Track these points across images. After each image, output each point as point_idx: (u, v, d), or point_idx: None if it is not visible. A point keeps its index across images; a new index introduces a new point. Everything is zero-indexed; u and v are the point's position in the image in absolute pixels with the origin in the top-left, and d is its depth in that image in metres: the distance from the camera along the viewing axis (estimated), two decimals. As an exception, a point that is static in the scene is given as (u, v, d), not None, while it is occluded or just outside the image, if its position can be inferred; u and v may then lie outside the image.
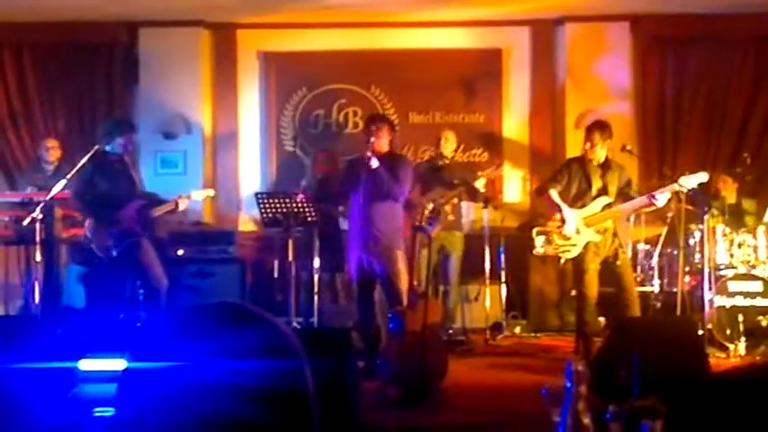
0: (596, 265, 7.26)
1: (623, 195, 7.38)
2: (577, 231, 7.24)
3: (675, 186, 7.19)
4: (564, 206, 7.30)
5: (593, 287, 7.25)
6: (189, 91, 9.74)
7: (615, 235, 7.35)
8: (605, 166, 7.39)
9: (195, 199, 7.74)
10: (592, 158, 7.35)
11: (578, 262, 7.31)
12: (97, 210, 7.04)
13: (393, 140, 7.06)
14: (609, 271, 7.31)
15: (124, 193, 7.13)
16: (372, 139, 6.77)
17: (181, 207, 7.45)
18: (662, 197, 7.17)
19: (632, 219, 8.42)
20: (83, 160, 6.88)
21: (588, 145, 7.33)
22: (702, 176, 7.23)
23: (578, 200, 7.36)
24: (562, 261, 7.53)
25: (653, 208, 7.38)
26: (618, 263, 7.27)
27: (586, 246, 7.24)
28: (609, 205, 7.32)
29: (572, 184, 7.40)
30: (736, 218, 8.42)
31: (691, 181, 7.17)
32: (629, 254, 8.18)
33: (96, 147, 6.97)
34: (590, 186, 7.35)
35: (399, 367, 6.01)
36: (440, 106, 9.84)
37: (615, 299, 7.30)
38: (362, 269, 6.84)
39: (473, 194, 8.35)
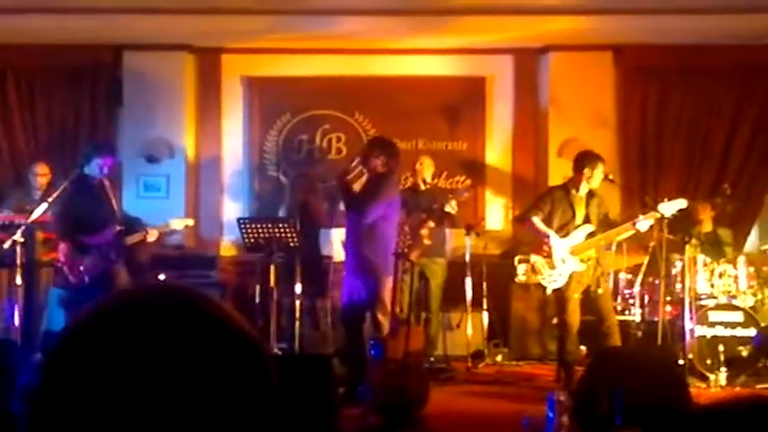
0: (579, 294, 7.27)
1: (604, 225, 7.41)
2: (563, 261, 7.25)
3: (656, 213, 7.23)
4: (551, 233, 7.30)
5: (576, 316, 7.26)
6: (173, 115, 9.73)
7: (598, 263, 7.37)
8: (589, 195, 7.42)
9: (174, 228, 7.71)
10: (578, 188, 7.38)
11: (562, 291, 7.31)
12: (73, 234, 6.99)
13: (389, 166, 7.03)
14: (589, 299, 7.32)
15: (102, 217, 7.09)
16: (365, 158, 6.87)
17: (150, 238, 7.42)
18: (643, 223, 7.21)
19: (614, 248, 8.42)
20: (64, 184, 6.86)
21: (588, 172, 7.33)
22: (681, 203, 7.28)
23: (562, 229, 7.37)
24: (549, 291, 7.49)
25: (632, 231, 7.39)
26: (600, 291, 7.29)
27: (571, 275, 7.25)
28: (592, 234, 7.34)
29: (555, 212, 7.40)
30: (712, 247, 8.47)
31: (670, 207, 7.22)
32: (611, 283, 8.21)
33: (77, 171, 6.94)
34: (574, 215, 7.37)
35: (380, 394, 5.99)
36: (423, 133, 9.85)
37: (596, 328, 7.31)
38: (352, 296, 6.82)
39: (450, 219, 8.32)
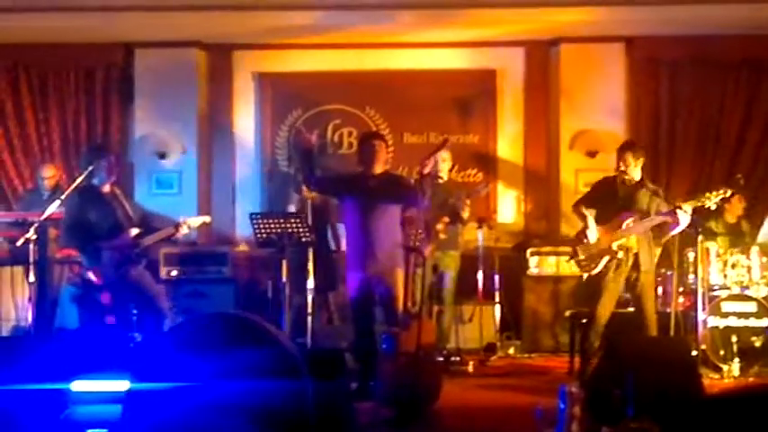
0: (616, 284, 7.12)
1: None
2: (599, 245, 7.12)
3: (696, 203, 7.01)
4: (590, 217, 7.18)
5: (606, 309, 7.07)
6: (184, 111, 9.76)
7: (637, 256, 7.16)
8: (638, 185, 7.22)
9: (192, 226, 7.62)
10: (624, 179, 7.22)
11: (598, 280, 7.17)
12: (89, 242, 6.94)
13: (387, 161, 7.10)
14: (629, 292, 7.22)
15: (117, 224, 7.01)
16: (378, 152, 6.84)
17: (182, 232, 7.33)
18: (687, 210, 6.91)
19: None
20: (76, 182, 6.86)
21: (622, 166, 7.21)
22: (724, 192, 7.03)
23: (603, 216, 7.23)
24: (584, 277, 7.35)
25: (679, 229, 7.04)
26: (639, 283, 7.10)
27: (608, 263, 7.10)
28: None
29: (600, 200, 7.30)
30: (732, 238, 8.44)
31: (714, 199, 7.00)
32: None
33: (83, 182, 6.88)
34: (618, 203, 7.20)
35: (393, 388, 5.99)
36: (434, 127, 9.85)
37: (634, 320, 7.16)
38: (363, 290, 6.80)
39: (462, 220, 8.28)
